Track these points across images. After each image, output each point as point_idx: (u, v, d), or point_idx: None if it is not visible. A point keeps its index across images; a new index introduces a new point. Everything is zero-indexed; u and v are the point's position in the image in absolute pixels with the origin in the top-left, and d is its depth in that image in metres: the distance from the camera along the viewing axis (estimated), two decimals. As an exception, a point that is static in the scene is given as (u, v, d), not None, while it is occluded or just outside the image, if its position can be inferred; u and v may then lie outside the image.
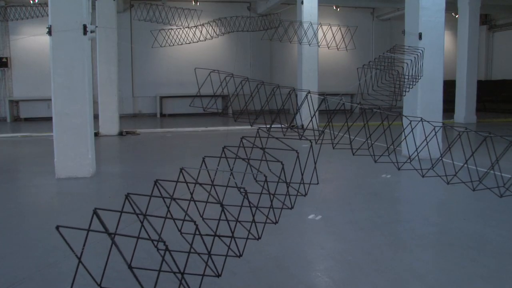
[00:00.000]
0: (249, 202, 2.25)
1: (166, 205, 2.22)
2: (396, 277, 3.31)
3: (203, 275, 2.14)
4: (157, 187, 2.09)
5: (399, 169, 3.19)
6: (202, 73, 3.71)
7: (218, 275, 2.21)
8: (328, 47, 10.72)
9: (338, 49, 10.86)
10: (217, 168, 2.41)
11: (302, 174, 2.61)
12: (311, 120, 3.02)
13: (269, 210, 2.39)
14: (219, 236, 2.22)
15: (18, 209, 5.27)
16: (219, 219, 2.24)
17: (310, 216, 4.76)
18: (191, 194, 2.30)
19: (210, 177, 2.48)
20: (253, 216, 2.27)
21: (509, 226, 4.49)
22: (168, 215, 2.10)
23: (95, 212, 1.73)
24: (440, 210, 5.27)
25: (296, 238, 4.16)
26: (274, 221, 2.47)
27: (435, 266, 3.52)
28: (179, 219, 1.97)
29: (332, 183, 6.56)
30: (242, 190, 2.20)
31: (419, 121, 2.97)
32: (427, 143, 2.85)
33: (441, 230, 4.50)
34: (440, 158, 3.12)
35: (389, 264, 3.53)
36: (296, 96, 12.03)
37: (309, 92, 3.07)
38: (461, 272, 3.40)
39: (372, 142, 3.33)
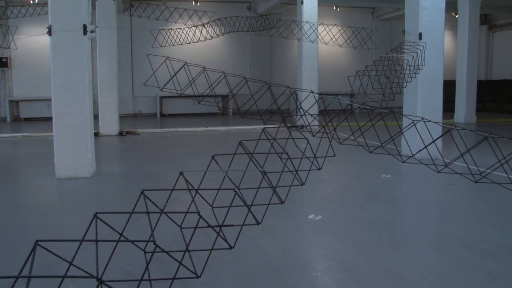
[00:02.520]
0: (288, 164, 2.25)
1: (158, 212, 2.22)
2: (396, 277, 3.31)
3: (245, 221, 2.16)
4: (144, 198, 2.09)
5: (438, 172, 3.17)
6: (192, 69, 3.71)
7: (259, 223, 2.41)
8: (340, 46, 10.78)
9: (355, 48, 10.94)
10: (227, 169, 2.41)
11: (315, 153, 2.65)
12: (302, 116, 3.02)
13: (295, 174, 2.54)
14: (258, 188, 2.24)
15: (18, 209, 5.27)
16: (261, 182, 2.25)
17: (310, 216, 4.76)
18: (193, 198, 2.30)
19: (222, 170, 2.48)
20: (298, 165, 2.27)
21: (509, 226, 4.49)
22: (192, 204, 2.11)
23: (181, 173, 1.98)
24: (439, 210, 5.27)
25: (296, 238, 4.16)
26: (301, 182, 2.70)
27: (435, 266, 3.52)
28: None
29: (332, 183, 6.56)
30: (262, 170, 2.23)
31: (451, 128, 2.95)
32: (467, 151, 2.83)
33: (440, 230, 4.50)
34: (459, 157, 3.11)
35: (389, 264, 3.54)
36: (296, 95, 12.01)
37: (288, 87, 3.07)
38: (461, 272, 3.40)
39: (393, 140, 3.33)
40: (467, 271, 3.42)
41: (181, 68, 3.15)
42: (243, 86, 3.50)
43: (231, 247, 2.18)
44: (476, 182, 2.92)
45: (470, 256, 3.71)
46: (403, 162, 3.32)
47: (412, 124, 3.02)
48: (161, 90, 3.34)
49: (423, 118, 3.10)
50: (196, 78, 3.27)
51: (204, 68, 3.05)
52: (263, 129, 2.60)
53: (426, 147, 3.12)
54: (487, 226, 4.49)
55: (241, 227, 2.30)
